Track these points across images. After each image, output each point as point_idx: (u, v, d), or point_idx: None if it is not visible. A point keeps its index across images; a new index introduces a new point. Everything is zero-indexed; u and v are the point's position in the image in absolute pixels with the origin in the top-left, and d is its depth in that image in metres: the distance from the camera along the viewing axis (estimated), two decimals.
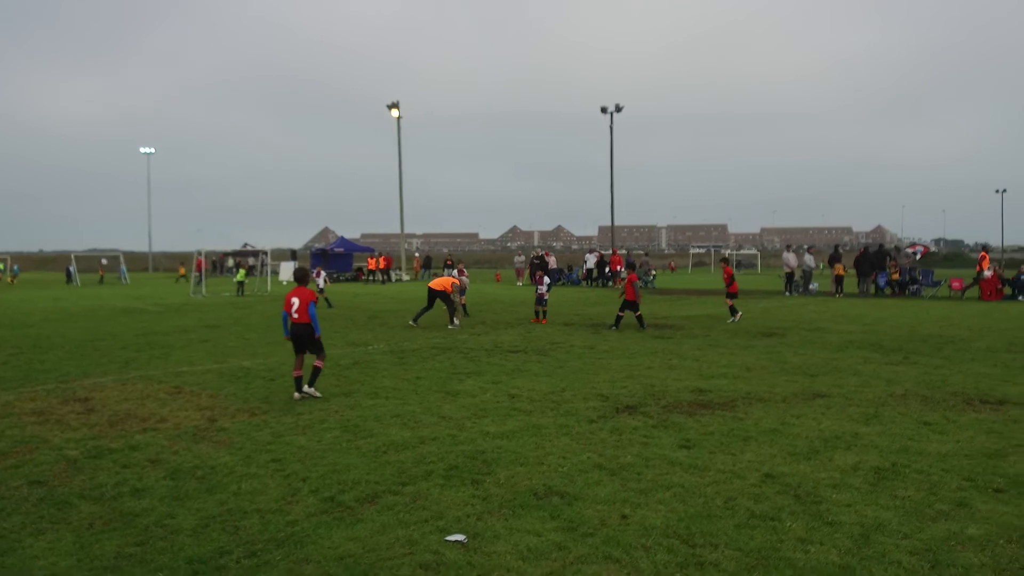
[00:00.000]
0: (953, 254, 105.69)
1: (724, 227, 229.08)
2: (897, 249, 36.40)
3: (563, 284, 38.85)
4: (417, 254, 60.95)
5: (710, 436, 7.22)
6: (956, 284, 28.59)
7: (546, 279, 19.79)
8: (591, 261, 39.54)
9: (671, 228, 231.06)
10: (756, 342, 14.59)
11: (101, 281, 48.41)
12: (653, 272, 37.68)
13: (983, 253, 28.61)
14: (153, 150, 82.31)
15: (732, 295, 18.97)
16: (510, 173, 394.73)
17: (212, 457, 6.70)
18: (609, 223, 56.06)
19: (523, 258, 44.10)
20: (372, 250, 54.46)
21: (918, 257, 30.78)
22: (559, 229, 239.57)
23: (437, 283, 18.11)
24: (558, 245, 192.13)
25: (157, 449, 6.98)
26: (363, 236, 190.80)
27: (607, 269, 38.35)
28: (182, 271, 34.90)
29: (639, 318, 16.88)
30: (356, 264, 51.30)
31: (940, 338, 15.03)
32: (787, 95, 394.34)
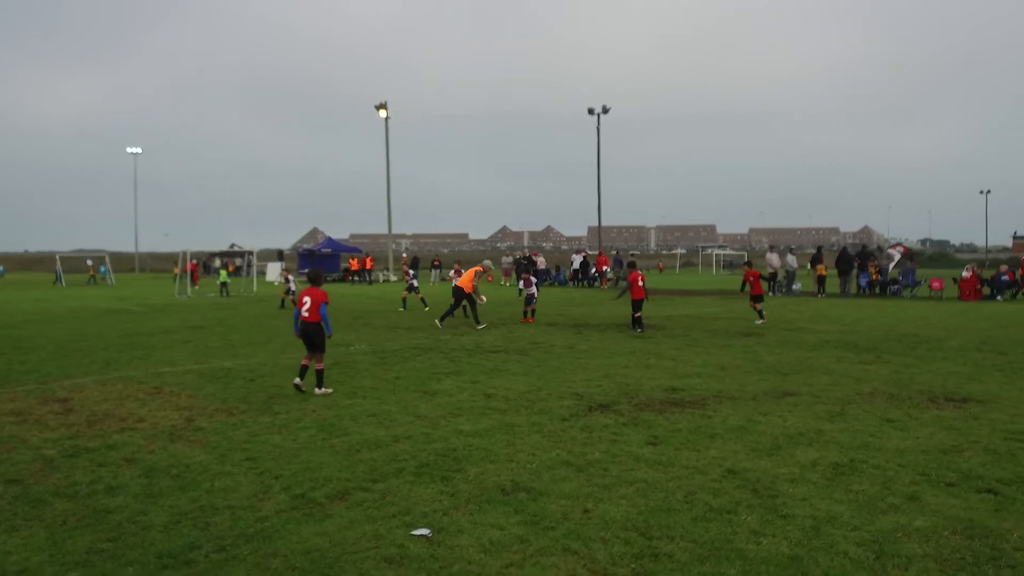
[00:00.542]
0: (939, 254, 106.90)
1: (713, 227, 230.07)
2: (880, 249, 36.79)
3: (550, 284, 39.02)
4: (405, 254, 60.99)
5: (677, 433, 7.39)
6: (936, 284, 28.98)
7: (533, 279, 19.97)
8: (577, 262, 39.76)
9: (660, 228, 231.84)
10: (734, 341, 14.79)
11: (91, 282, 48.18)
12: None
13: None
14: (140, 150, 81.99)
15: (757, 297, 18.80)
16: (501, 173, 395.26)
17: (187, 456, 6.80)
18: (599, 224, 56.31)
19: (510, 258, 44.25)
20: (359, 250, 54.51)
21: (897, 257, 31.09)
22: (549, 229, 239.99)
23: (463, 282, 17.98)
24: (548, 245, 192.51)
25: (133, 448, 7.08)
26: (352, 236, 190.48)
27: (592, 269, 38.56)
28: (176, 271, 35.11)
29: (637, 319, 16.65)
30: (342, 265, 51.30)
31: (915, 337, 15.29)
32: (777, 97, 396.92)
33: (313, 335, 9.62)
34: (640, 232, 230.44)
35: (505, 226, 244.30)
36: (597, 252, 45.97)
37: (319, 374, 9.72)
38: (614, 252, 49.20)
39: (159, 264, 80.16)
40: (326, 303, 9.71)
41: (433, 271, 44.79)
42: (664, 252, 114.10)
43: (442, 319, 18.00)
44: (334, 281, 46.47)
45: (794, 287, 30.53)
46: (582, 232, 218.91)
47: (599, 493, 5.65)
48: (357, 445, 7.10)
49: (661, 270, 67.72)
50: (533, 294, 19.37)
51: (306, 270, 49.02)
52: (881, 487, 5.72)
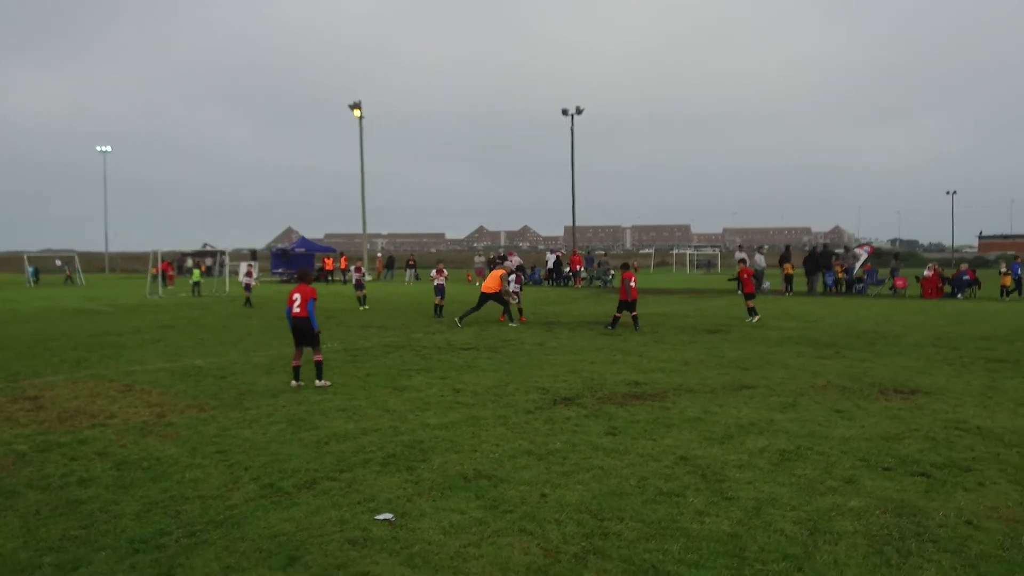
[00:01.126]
0: (908, 253, 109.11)
1: (687, 227, 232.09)
2: (846, 249, 37.60)
3: (525, 284, 39.30)
4: (380, 254, 60.92)
5: (636, 424, 7.70)
6: (900, 283, 29.74)
7: (512, 280, 20.21)
8: (551, 261, 40.12)
9: (636, 228, 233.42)
10: (699, 338, 15.18)
11: (68, 282, 47.53)
12: (611, 272, 38.34)
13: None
14: (110, 148, 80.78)
15: (749, 295, 19.13)
16: (477, 172, 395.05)
17: (159, 449, 6.96)
18: (572, 224, 56.72)
19: (483, 258, 44.46)
20: (333, 250, 54.38)
21: (864, 257, 31.84)
22: (526, 229, 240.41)
23: (488, 285, 18.17)
24: (524, 245, 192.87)
25: (105, 443, 7.21)
26: (327, 236, 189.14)
27: (566, 269, 38.93)
28: (154, 271, 34.97)
29: (634, 318, 16.79)
30: (316, 264, 51.12)
31: (874, 334, 15.80)
32: (750, 98, 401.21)
33: (305, 330, 9.95)
34: (616, 232, 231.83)
35: (482, 226, 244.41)
36: (572, 252, 46.35)
37: (318, 366, 10.08)
38: (584, 252, 49.62)
39: (129, 264, 79.05)
40: (314, 300, 10.06)
41: (408, 271, 44.83)
42: (639, 252, 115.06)
43: (462, 318, 18.26)
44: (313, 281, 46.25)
45: (763, 286, 31.13)
46: (559, 232, 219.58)
47: (557, 479, 5.92)
48: (326, 438, 7.31)
49: (636, 268, 68.27)
50: (516, 291, 19.55)
51: (280, 269, 48.81)
52: (822, 471, 6.07)
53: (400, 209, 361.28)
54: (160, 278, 34.99)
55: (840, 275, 30.44)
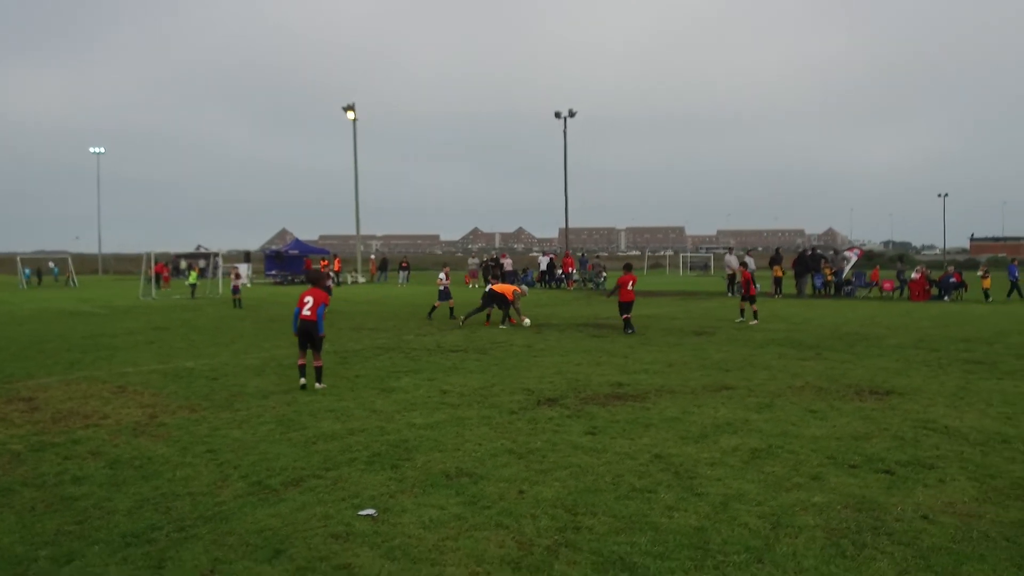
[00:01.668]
0: (900, 255, 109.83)
1: (682, 229, 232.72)
2: (835, 252, 37.95)
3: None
4: (373, 256, 61.12)
5: (615, 424, 7.93)
6: (887, 285, 30.09)
7: (524, 288, 20.53)
8: (544, 263, 40.39)
9: (630, 230, 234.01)
10: (686, 340, 15.43)
11: (68, 284, 47.59)
12: (604, 274, 38.61)
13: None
14: (103, 150, 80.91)
15: (750, 298, 19.27)
16: (473, 173, 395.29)
17: (150, 449, 7.16)
18: (566, 225, 56.96)
19: (476, 260, 44.70)
20: (327, 252, 54.58)
21: (854, 260, 32.20)
22: (520, 231, 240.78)
23: (500, 287, 18.65)
24: (519, 247, 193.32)
25: (98, 443, 7.41)
26: (321, 238, 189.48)
27: (559, 271, 39.19)
28: (152, 272, 35.19)
29: (626, 320, 16.85)
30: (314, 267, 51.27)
31: (856, 336, 16.07)
32: (745, 101, 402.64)
33: (312, 333, 10.14)
34: (610, 234, 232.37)
35: (477, 227, 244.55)
36: (564, 254, 46.61)
37: (318, 371, 10.27)
38: (579, 254, 49.87)
39: (123, 266, 79.04)
40: (326, 304, 10.26)
41: (401, 273, 45.04)
42: (633, 253, 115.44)
43: (466, 317, 18.71)
44: (302, 283, 46.47)
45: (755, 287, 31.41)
46: (553, 234, 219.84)
47: (535, 477, 6.15)
48: (313, 438, 7.52)
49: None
50: (524, 292, 19.86)
51: (273, 271, 48.92)
52: (790, 469, 6.31)
53: (395, 210, 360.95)
54: (155, 280, 35.14)
55: (829, 278, 30.78)
